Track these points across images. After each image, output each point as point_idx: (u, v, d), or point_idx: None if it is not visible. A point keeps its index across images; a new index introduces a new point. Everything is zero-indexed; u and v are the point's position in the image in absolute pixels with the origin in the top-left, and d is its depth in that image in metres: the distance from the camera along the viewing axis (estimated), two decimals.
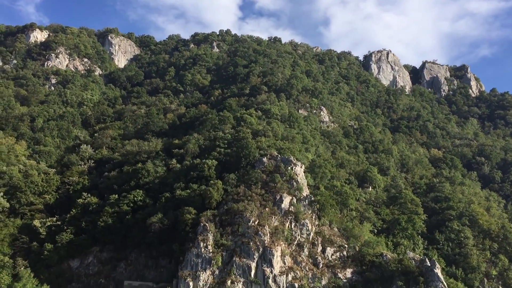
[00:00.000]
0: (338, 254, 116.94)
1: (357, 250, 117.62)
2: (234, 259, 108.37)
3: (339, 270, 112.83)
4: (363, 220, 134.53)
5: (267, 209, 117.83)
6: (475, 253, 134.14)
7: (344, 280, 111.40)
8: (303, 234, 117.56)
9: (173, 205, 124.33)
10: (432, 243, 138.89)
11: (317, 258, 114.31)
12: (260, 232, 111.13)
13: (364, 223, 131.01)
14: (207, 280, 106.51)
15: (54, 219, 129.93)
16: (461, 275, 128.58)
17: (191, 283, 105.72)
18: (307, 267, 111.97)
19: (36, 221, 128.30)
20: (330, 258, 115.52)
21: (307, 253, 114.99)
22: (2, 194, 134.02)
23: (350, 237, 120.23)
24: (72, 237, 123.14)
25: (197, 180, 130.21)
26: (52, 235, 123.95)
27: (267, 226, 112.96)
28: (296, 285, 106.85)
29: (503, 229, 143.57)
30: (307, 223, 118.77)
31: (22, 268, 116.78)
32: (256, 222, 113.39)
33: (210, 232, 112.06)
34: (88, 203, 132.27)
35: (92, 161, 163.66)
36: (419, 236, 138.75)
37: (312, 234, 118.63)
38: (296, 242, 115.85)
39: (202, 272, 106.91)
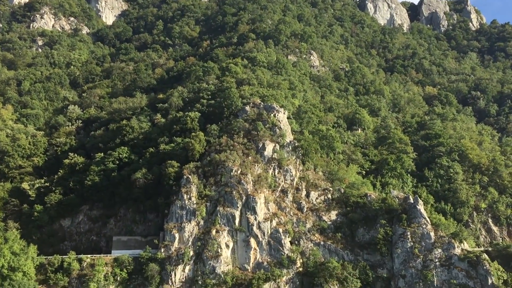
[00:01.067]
0: (322, 197, 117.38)
1: (342, 192, 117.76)
2: (218, 209, 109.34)
3: (323, 213, 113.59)
4: (350, 162, 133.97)
5: (250, 157, 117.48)
6: (464, 187, 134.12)
7: (329, 222, 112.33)
8: (286, 180, 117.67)
9: (158, 159, 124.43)
10: (421, 181, 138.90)
11: (301, 202, 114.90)
12: (243, 181, 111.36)
13: (351, 165, 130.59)
14: (192, 231, 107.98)
15: (43, 180, 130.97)
16: (450, 210, 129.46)
17: (176, 235, 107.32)
18: (291, 212, 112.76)
19: (25, 183, 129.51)
20: (315, 202, 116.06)
21: (291, 198, 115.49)
22: None
23: (335, 180, 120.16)
24: (61, 197, 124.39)
25: (181, 133, 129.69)
26: (41, 197, 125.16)
27: (249, 175, 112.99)
28: (281, 230, 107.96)
29: (493, 162, 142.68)
30: (290, 169, 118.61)
31: (13, 230, 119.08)
32: (238, 171, 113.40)
33: (193, 184, 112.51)
34: (75, 163, 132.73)
35: (80, 121, 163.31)
36: (408, 175, 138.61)
37: (296, 179, 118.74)
38: (280, 188, 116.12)
39: (187, 224, 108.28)
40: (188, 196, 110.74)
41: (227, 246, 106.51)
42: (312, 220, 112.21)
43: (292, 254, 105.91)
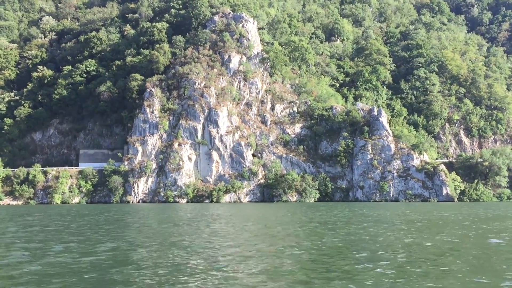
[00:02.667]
0: (287, 110, 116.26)
1: (308, 105, 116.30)
2: (180, 122, 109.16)
3: (287, 126, 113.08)
4: (323, 75, 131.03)
5: (215, 70, 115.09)
6: (439, 99, 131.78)
7: (292, 135, 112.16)
8: (252, 93, 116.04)
9: (125, 73, 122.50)
10: (397, 93, 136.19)
11: (265, 115, 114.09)
12: (206, 94, 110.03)
13: (322, 78, 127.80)
14: (155, 144, 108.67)
15: (12, 94, 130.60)
16: (422, 122, 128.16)
17: (139, 148, 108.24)
18: (255, 125, 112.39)
19: None
20: (279, 115, 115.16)
21: (255, 111, 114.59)
22: None
23: (302, 93, 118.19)
24: (31, 111, 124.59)
25: (148, 45, 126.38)
26: (11, 110, 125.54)
27: (213, 88, 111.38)
28: (243, 143, 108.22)
29: (472, 73, 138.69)
30: (256, 82, 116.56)
31: None
32: (202, 84, 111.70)
33: (156, 97, 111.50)
34: (44, 76, 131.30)
35: (54, 33, 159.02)
36: (384, 87, 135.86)
37: (261, 92, 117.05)
38: (244, 101, 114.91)
39: (149, 137, 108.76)
40: (151, 110, 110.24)
41: (190, 159, 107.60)
42: (275, 133, 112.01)
43: (254, 166, 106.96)
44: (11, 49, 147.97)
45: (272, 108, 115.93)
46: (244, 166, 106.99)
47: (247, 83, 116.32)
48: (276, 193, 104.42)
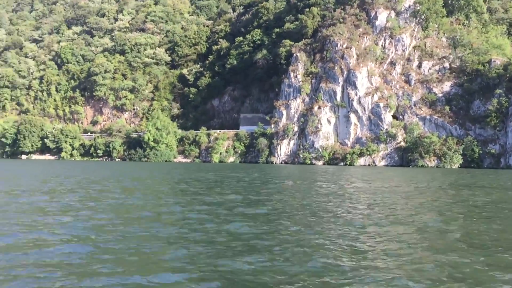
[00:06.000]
0: (437, 67, 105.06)
1: (463, 59, 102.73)
2: (321, 85, 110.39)
3: (434, 85, 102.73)
4: (498, 23, 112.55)
5: (360, 29, 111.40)
6: None
7: (440, 95, 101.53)
8: (397, 50, 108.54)
9: (282, 39, 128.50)
10: None
11: (410, 74, 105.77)
12: (346, 55, 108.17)
13: (493, 27, 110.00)
14: (298, 107, 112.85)
15: (198, 66, 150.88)
16: None
17: (284, 112, 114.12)
18: (397, 85, 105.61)
19: (184, 69, 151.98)
20: (426, 73, 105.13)
21: (399, 70, 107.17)
22: (163, 50, 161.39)
23: (459, 46, 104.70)
24: (210, 80, 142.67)
25: (304, 9, 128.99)
26: (197, 81, 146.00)
27: (354, 48, 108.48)
28: (382, 104, 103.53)
29: None
30: (403, 38, 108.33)
31: (175, 109, 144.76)
32: (344, 45, 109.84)
33: (301, 61, 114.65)
34: (221, 48, 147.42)
35: (242, 7, 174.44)
36: None
37: (408, 49, 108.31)
38: (388, 60, 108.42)
39: (293, 101, 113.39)
40: (295, 74, 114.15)
41: (329, 121, 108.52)
42: (420, 92, 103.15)
43: (392, 129, 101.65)
44: (204, 25, 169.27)
45: (419, 66, 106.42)
46: (382, 128, 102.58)
47: (393, 40, 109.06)
48: (412, 157, 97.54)
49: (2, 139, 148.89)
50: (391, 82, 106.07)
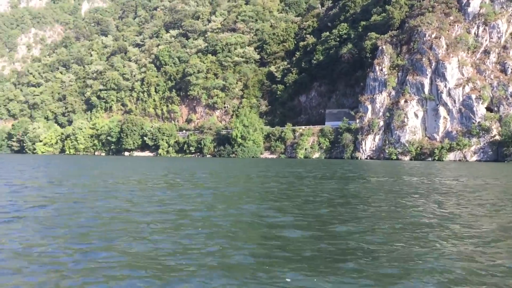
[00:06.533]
0: None
1: None
2: (408, 78, 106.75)
3: None
4: None
5: (450, 17, 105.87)
6: None
7: None
8: (492, 38, 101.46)
9: (368, 32, 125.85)
10: None
11: (506, 63, 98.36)
12: (434, 46, 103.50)
13: None
14: (383, 101, 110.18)
15: (285, 63, 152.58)
16: None
17: (369, 106, 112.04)
18: (492, 75, 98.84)
19: (272, 67, 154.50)
20: None
21: (494, 59, 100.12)
22: (253, 49, 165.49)
23: None
24: (297, 77, 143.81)
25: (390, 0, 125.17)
26: (284, 77, 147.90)
27: (443, 38, 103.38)
28: (474, 96, 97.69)
29: None
30: (498, 25, 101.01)
31: (263, 106, 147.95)
32: (432, 35, 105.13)
33: (386, 54, 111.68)
34: (307, 44, 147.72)
35: (330, 1, 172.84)
36: None
37: (505, 36, 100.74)
38: (482, 49, 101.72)
39: (378, 95, 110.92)
40: (380, 67, 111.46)
41: (416, 115, 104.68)
42: None
43: (486, 122, 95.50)
44: (293, 22, 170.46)
45: None
46: (474, 121, 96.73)
47: (488, 27, 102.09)
48: (508, 151, 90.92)
49: (108, 137, 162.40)
50: (485, 72, 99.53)
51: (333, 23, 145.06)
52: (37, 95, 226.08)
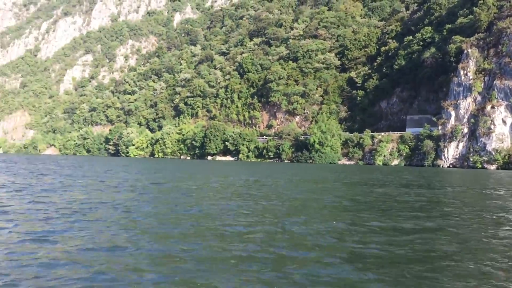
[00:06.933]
0: None
1: None
2: (495, 82, 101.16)
3: None
4: None
5: None
6: None
7: None
8: None
9: (453, 36, 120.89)
10: None
11: None
12: None
13: None
14: (468, 107, 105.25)
15: (366, 68, 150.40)
16: None
17: (452, 112, 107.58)
18: None
19: (352, 72, 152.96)
20: None
21: None
22: (333, 55, 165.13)
23: None
24: (377, 82, 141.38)
25: (477, 2, 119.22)
26: (364, 83, 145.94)
27: None
28: None
29: None
30: None
31: (343, 112, 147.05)
32: None
33: (472, 58, 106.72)
34: (389, 49, 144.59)
35: (416, 4, 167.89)
36: None
37: None
38: None
39: (462, 100, 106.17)
40: (465, 72, 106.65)
41: (504, 122, 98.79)
42: None
43: None
44: (375, 27, 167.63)
45: None
46: None
47: None
48: None
49: (193, 142, 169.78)
50: None
51: (416, 26, 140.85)
52: (132, 102, 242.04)
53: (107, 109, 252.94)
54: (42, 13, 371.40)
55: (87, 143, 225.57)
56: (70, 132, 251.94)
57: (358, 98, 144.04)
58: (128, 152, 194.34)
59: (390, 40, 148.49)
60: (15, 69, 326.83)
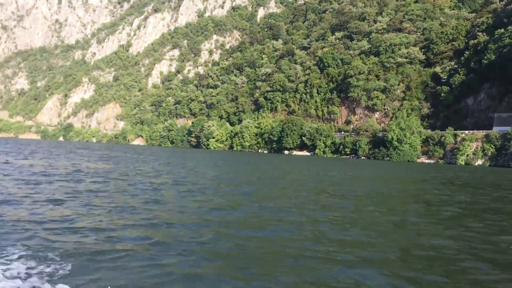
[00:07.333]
0: None
1: None
2: None
3: None
4: None
5: None
6: None
7: None
8: None
9: None
10: None
11: None
12: None
13: None
14: None
15: (452, 63, 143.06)
16: None
17: None
18: None
19: (437, 67, 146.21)
20: None
21: None
22: (418, 49, 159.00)
23: None
24: (464, 78, 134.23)
25: None
26: (449, 78, 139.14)
27: None
28: None
29: None
30: None
31: (425, 109, 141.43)
32: None
33: None
34: (478, 42, 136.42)
35: None
36: None
37: None
38: None
39: None
40: None
41: None
42: None
43: None
44: (465, 19, 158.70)
45: None
46: None
47: None
48: None
49: (270, 136, 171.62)
50: None
51: (509, 18, 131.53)
52: (214, 96, 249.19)
53: (190, 102, 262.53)
54: (134, 10, 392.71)
55: (171, 134, 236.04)
56: (156, 124, 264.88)
57: (443, 94, 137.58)
58: (208, 145, 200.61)
59: (480, 34, 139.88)
60: (109, 64, 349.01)
